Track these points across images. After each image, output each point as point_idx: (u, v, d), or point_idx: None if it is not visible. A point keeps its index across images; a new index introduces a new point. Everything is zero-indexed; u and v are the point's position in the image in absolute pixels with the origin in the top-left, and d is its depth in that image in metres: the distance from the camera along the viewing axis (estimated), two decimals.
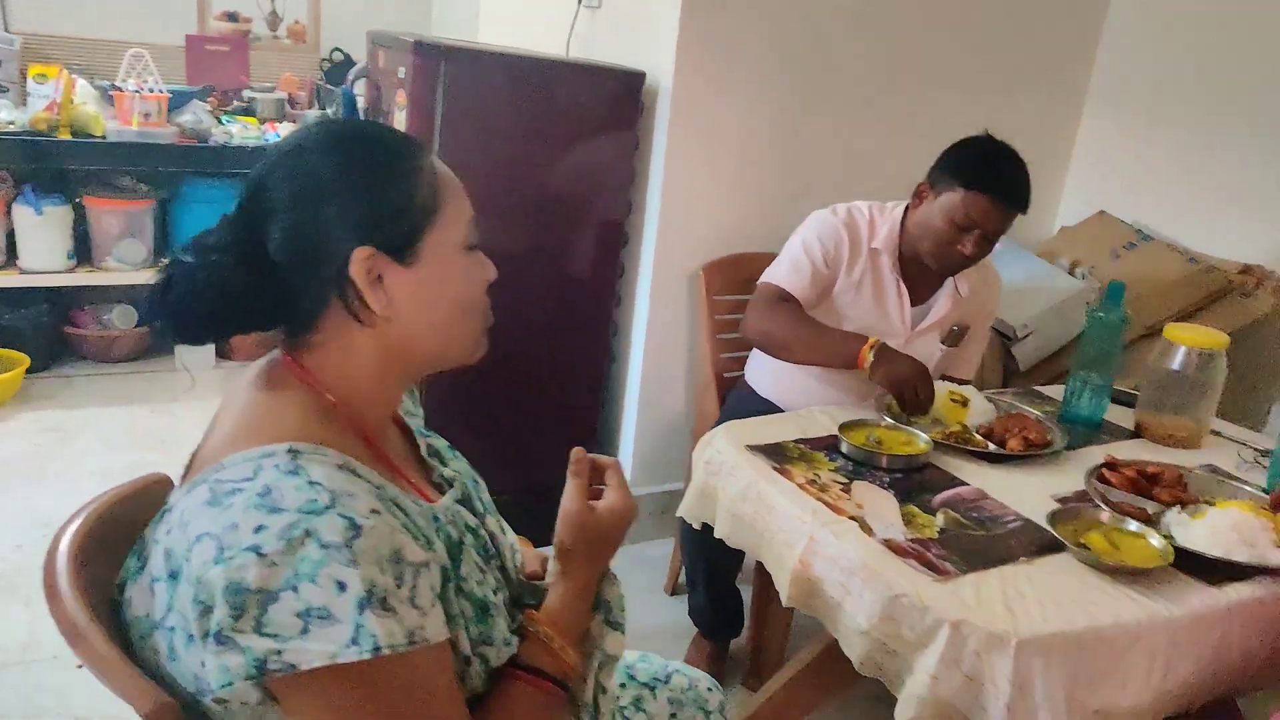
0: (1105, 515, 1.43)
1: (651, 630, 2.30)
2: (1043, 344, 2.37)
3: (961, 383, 1.96)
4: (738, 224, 2.51)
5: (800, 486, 1.49)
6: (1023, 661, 1.15)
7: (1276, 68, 2.45)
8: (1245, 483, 1.64)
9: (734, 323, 2.35)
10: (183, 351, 3.48)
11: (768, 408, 2.06)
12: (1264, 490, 1.62)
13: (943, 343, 2.00)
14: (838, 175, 2.57)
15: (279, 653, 0.70)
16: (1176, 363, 1.81)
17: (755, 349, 2.04)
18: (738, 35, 2.35)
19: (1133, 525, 1.41)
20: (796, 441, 1.66)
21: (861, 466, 1.59)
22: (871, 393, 1.89)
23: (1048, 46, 2.82)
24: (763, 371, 2.13)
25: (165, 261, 0.86)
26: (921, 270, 1.96)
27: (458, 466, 1.05)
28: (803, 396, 1.98)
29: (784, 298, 1.92)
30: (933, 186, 1.87)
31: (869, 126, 2.60)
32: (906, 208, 1.97)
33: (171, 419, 3.02)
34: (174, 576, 0.76)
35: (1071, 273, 2.53)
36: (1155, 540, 1.37)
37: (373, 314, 0.85)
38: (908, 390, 1.72)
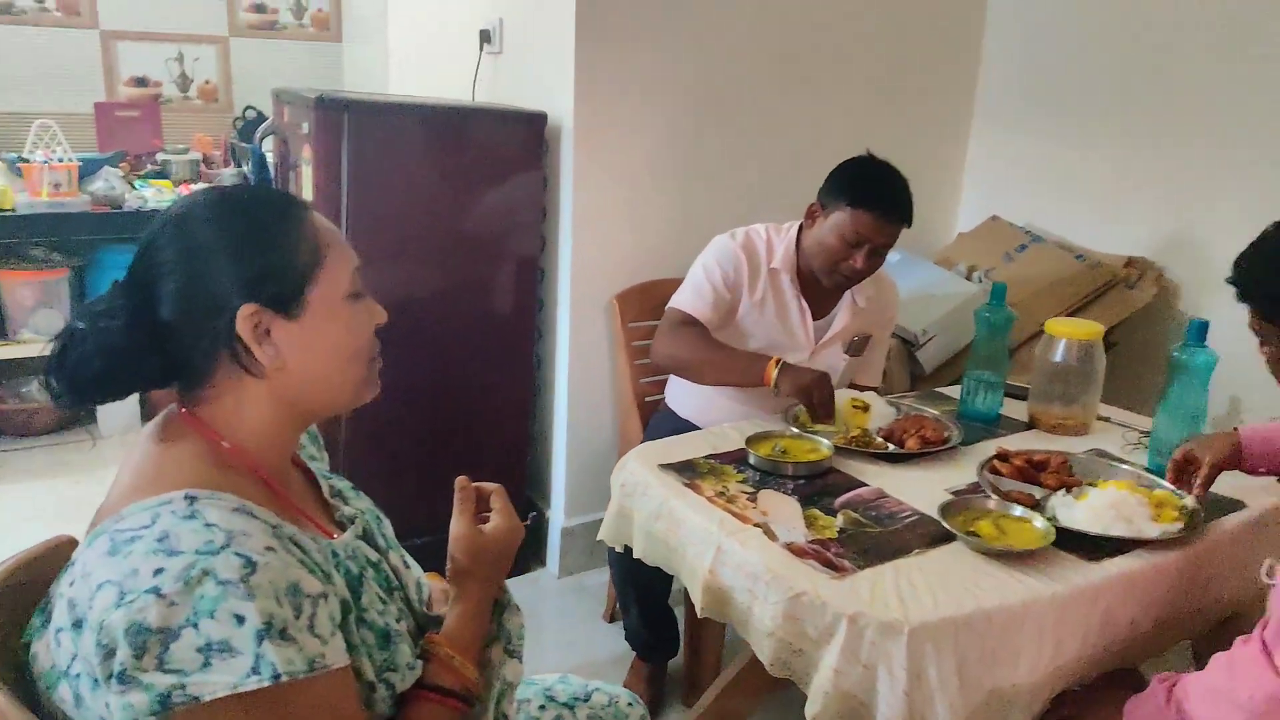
0: (993, 503, 1.52)
1: (592, 656, 2.34)
2: (944, 347, 2.48)
3: (865, 389, 2.05)
4: (646, 253, 2.58)
5: (709, 500, 1.55)
6: (915, 648, 1.22)
7: (1148, 75, 2.60)
8: (1127, 463, 1.74)
9: (650, 349, 2.42)
10: (105, 420, 3.44)
11: (687, 427, 2.12)
12: (1145, 469, 1.73)
13: (846, 353, 2.09)
14: (739, 199, 2.67)
15: (182, 687, 0.74)
16: (1059, 355, 1.92)
17: (669, 373, 2.11)
18: (632, 72, 2.45)
19: (1018, 510, 1.49)
20: (707, 457, 1.73)
21: (769, 476, 1.66)
22: (780, 406, 1.97)
23: (934, 69, 2.97)
24: (680, 392, 2.20)
25: (60, 329, 0.90)
26: (820, 286, 2.05)
27: (360, 505, 1.09)
28: (718, 414, 2.05)
29: (687, 321, 2.00)
30: (823, 207, 1.97)
31: (766, 151, 2.70)
32: (800, 227, 2.06)
33: (96, 488, 2.95)
34: (77, 626, 0.79)
35: (969, 277, 2.65)
36: (1039, 523, 1.46)
37: (262, 366, 0.91)
38: (813, 394, 1.81)
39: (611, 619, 2.48)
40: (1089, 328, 1.90)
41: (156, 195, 3.44)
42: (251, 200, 0.95)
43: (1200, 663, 1.58)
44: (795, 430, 1.81)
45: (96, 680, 0.77)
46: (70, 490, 2.99)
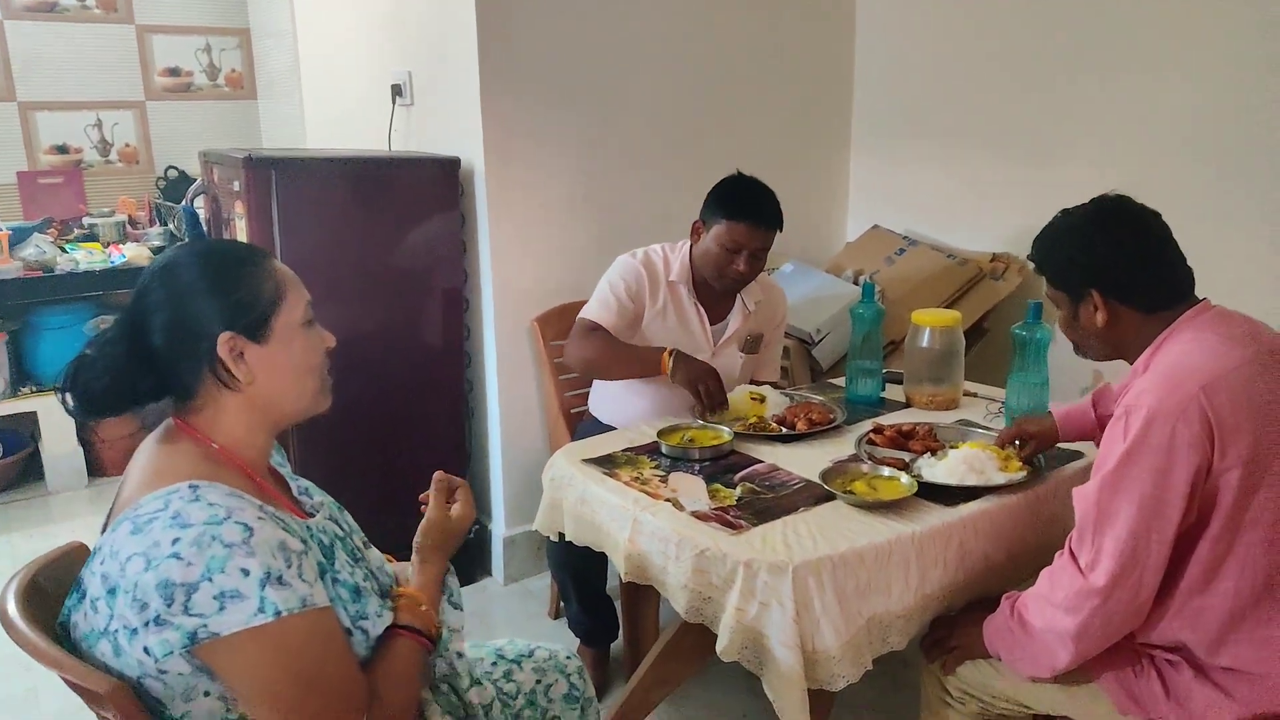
0: (866, 467, 1.78)
1: None
2: (837, 344, 2.76)
3: (760, 384, 2.31)
4: (560, 278, 2.82)
5: (626, 484, 1.78)
6: (800, 581, 1.47)
7: (1001, 95, 2.94)
8: (987, 429, 2.03)
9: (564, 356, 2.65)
10: (53, 478, 3.53)
11: (608, 430, 2.36)
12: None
13: (741, 351, 2.35)
14: (640, 224, 2.92)
15: (205, 625, 0.96)
16: (925, 341, 2.20)
17: (582, 376, 2.34)
18: (533, 116, 2.69)
19: (887, 471, 1.76)
20: (624, 450, 1.96)
21: (678, 461, 1.90)
22: (686, 404, 2.22)
23: (813, 99, 3.28)
24: (600, 400, 2.43)
25: (76, 355, 1.12)
26: (714, 293, 2.32)
27: (323, 498, 1.30)
28: (634, 415, 2.29)
29: (593, 328, 2.25)
30: (704, 222, 2.25)
31: (662, 180, 2.96)
32: (691, 244, 2.33)
33: (49, 541, 3.07)
34: (112, 592, 1.00)
35: (855, 281, 2.95)
36: (904, 479, 1.72)
37: (239, 382, 1.12)
38: (701, 386, 2.07)
39: (556, 615, 2.68)
40: (948, 316, 2.20)
41: (88, 257, 3.56)
42: (224, 250, 1.18)
43: None
44: (700, 422, 2.05)
45: (134, 630, 0.98)
46: (24, 545, 3.08)
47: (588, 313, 2.28)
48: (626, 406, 2.34)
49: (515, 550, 2.90)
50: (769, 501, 1.70)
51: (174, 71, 4.30)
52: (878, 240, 3.15)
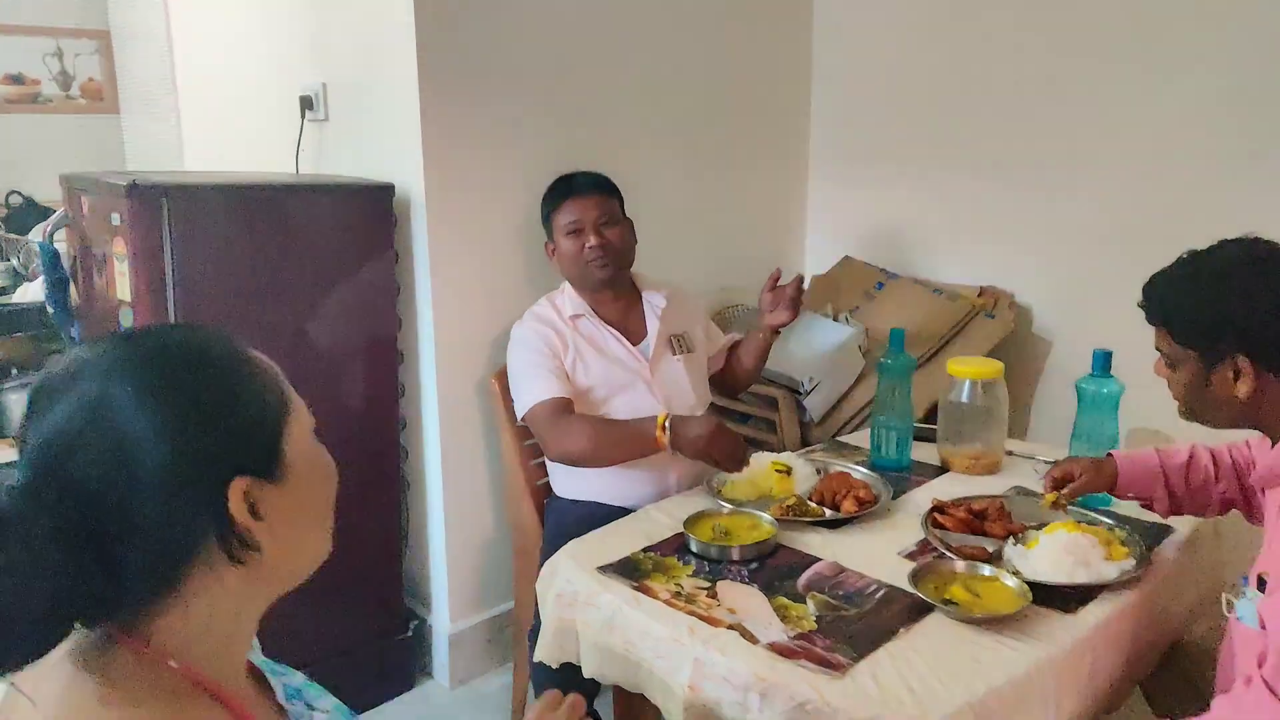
0: (960, 565, 1.47)
1: None
2: (829, 392, 2.46)
3: (737, 345, 2.17)
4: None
5: (666, 602, 1.41)
6: None
7: (962, 120, 2.73)
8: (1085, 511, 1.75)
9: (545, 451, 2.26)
10: None
11: (593, 509, 1.98)
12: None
13: (675, 354, 2.09)
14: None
15: None
16: (964, 395, 1.92)
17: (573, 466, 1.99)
18: (482, 135, 2.29)
19: (985, 570, 1.45)
20: (645, 551, 1.58)
21: (716, 563, 1.54)
22: (670, 456, 1.88)
23: (769, 123, 2.99)
24: (567, 477, 2.06)
25: None
26: (623, 313, 2.09)
27: (326, 705, 0.87)
28: (619, 485, 1.96)
29: (559, 409, 1.92)
30: (550, 239, 2.12)
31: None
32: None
33: None
34: None
35: (835, 318, 2.66)
36: (1010, 581, 1.41)
37: (259, 546, 0.71)
38: (715, 451, 1.74)
39: None
40: (990, 366, 1.92)
41: None
42: (186, 346, 0.74)
43: (1153, 702, 1.59)
44: (729, 506, 1.70)
45: None
46: None
47: (533, 396, 1.95)
48: (602, 478, 1.97)
49: (463, 647, 2.46)
50: (855, 621, 1.36)
51: (16, 79, 3.64)
52: (851, 272, 2.88)
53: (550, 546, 1.98)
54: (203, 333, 0.76)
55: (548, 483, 2.22)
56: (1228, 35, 2.22)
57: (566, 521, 2.00)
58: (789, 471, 1.82)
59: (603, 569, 1.51)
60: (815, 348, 2.45)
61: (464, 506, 2.41)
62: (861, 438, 2.18)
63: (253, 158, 2.84)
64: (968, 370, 1.92)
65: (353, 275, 2.22)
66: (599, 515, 1.93)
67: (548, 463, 2.13)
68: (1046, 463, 1.95)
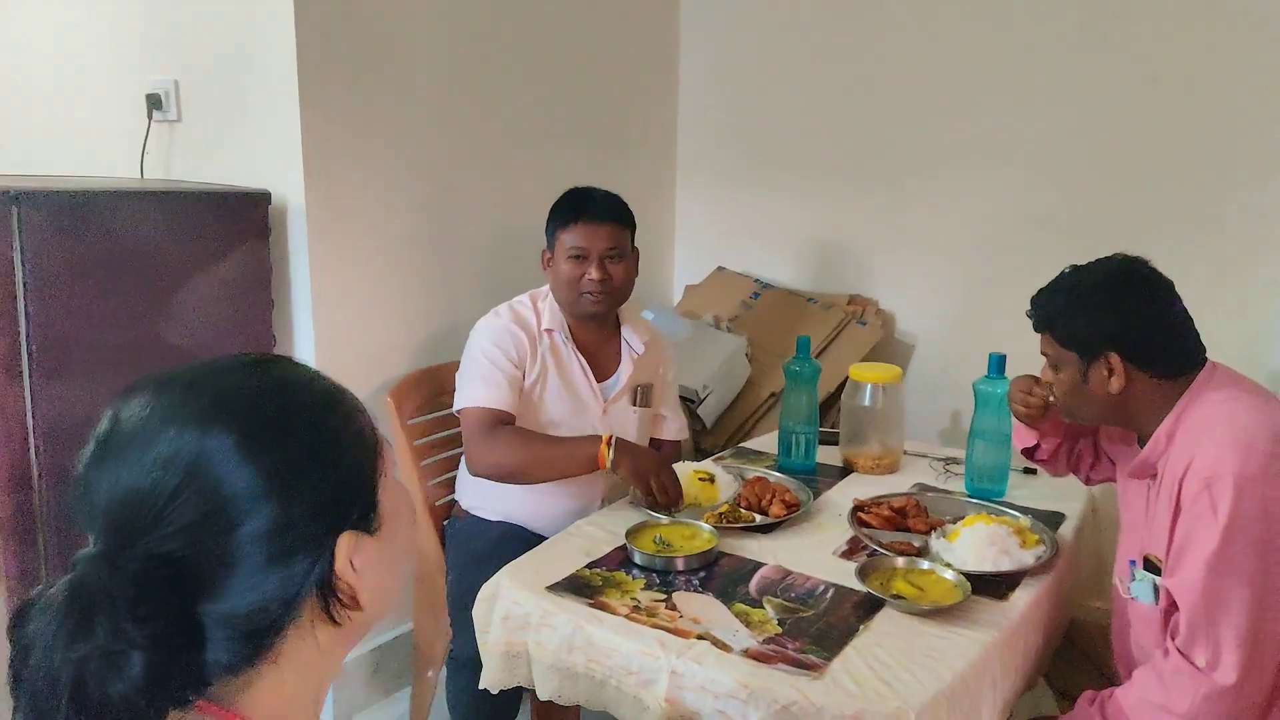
0: (900, 561, 1.53)
1: None
2: (720, 400, 2.51)
3: (667, 443, 2.08)
4: (415, 336, 2.33)
5: (628, 617, 1.39)
6: None
7: (822, 134, 2.86)
8: (955, 493, 1.87)
9: (440, 444, 2.17)
10: None
11: (504, 530, 1.93)
12: (968, 496, 1.86)
13: (634, 405, 2.02)
14: (495, 268, 2.52)
15: None
16: (866, 399, 2.01)
17: (498, 482, 1.88)
18: (366, 138, 2.19)
19: (924, 564, 1.52)
20: (589, 567, 1.55)
21: (664, 575, 1.53)
22: (601, 478, 1.87)
23: (638, 138, 3.03)
24: (484, 495, 1.98)
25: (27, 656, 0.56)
26: (597, 344, 1.99)
27: None
28: (538, 506, 1.91)
29: (498, 419, 1.83)
30: (550, 249, 1.96)
31: (505, 219, 2.56)
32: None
33: None
34: None
35: (718, 327, 2.72)
36: (949, 574, 1.49)
37: (358, 605, 0.66)
38: (654, 481, 1.72)
39: None
40: (889, 371, 2.03)
41: None
42: (283, 391, 0.67)
43: (1051, 678, 1.73)
44: (666, 517, 1.70)
45: None
46: None
47: (477, 399, 1.85)
48: (522, 498, 1.91)
49: (345, 684, 2.32)
50: (816, 621, 1.39)
51: None
52: (726, 283, 2.96)
53: (460, 569, 1.92)
54: (291, 368, 0.69)
55: (448, 502, 2.14)
56: (1080, 59, 2.44)
57: (478, 543, 1.93)
58: (712, 479, 1.84)
59: (552, 588, 1.47)
60: (707, 357, 2.50)
61: None
62: (762, 443, 2.24)
63: (81, 160, 2.56)
64: (870, 376, 2.01)
65: (221, 289, 2.05)
66: (515, 537, 1.89)
67: (459, 479, 2.05)
68: (945, 461, 2.08)
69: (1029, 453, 1.72)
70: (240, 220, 2.08)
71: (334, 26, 2.08)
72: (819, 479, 2.00)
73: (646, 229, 3.14)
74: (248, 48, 2.12)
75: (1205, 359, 1.39)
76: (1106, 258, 1.44)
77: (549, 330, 1.94)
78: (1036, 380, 1.60)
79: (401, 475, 2.09)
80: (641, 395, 2.03)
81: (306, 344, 2.18)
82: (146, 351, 1.93)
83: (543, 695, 1.43)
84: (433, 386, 2.17)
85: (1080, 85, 2.45)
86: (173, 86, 2.31)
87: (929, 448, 2.19)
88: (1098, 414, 1.47)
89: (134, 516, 0.59)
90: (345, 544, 0.64)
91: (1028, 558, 1.56)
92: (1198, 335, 1.40)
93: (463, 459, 2.07)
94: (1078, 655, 1.73)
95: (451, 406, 2.19)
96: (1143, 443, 1.41)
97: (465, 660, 1.66)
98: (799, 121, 2.93)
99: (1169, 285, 1.39)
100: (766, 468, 2.00)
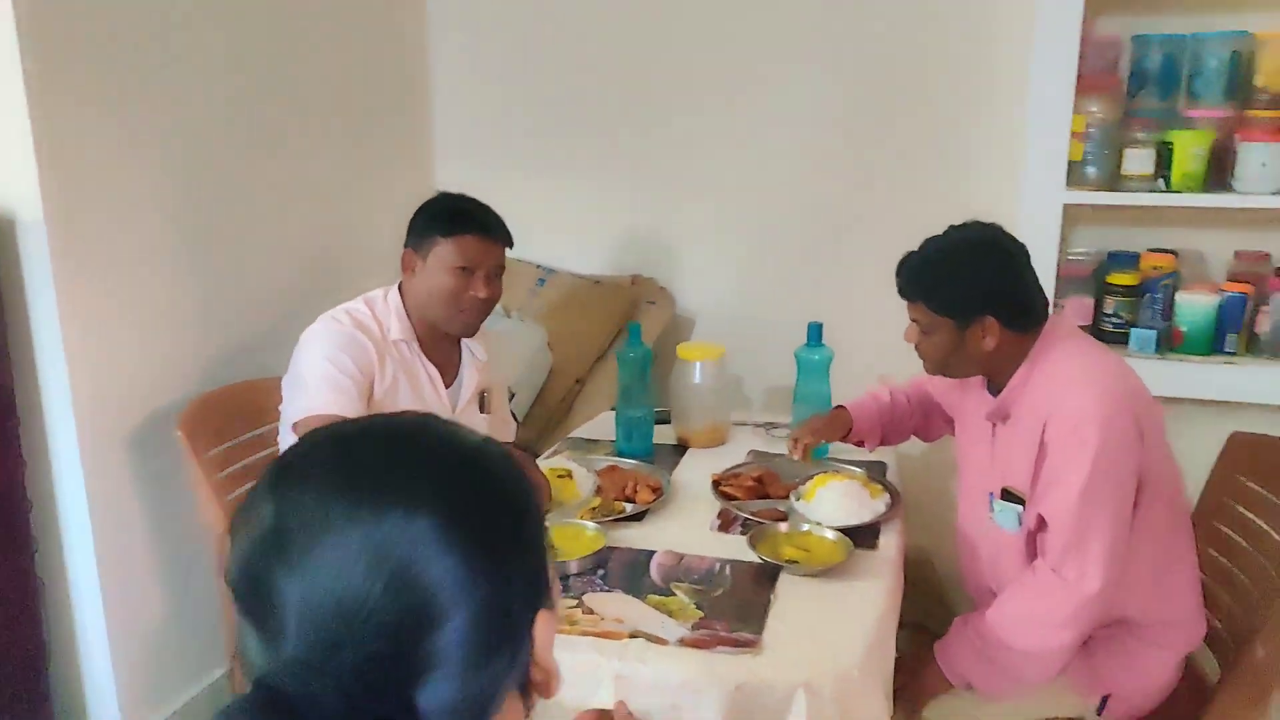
0: (783, 527, 1.61)
1: None
2: (529, 394, 2.47)
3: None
4: (200, 354, 2.07)
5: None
6: (866, 681, 1.26)
7: (579, 118, 2.86)
8: (784, 456, 1.98)
9: (248, 472, 1.94)
10: None
11: None
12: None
13: (482, 411, 1.96)
14: (288, 272, 2.33)
15: None
16: (696, 377, 2.08)
17: None
18: (113, 141, 1.89)
19: (803, 526, 1.61)
20: None
21: (561, 580, 1.49)
22: None
23: (391, 123, 2.85)
24: None
25: None
26: (441, 350, 1.89)
27: None
28: None
29: None
30: (417, 251, 1.81)
31: (265, 220, 2.33)
32: (400, 289, 1.86)
33: None
34: None
35: (508, 316, 2.66)
36: (829, 533, 1.59)
37: (547, 696, 0.61)
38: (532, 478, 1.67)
39: None
40: (714, 349, 2.10)
41: None
42: (476, 460, 0.61)
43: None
44: (560, 519, 1.65)
45: None
46: None
47: (321, 405, 1.66)
48: None
49: None
50: (729, 598, 1.43)
51: None
52: (507, 271, 2.88)
53: None
54: (448, 427, 0.59)
55: None
56: (830, 54, 2.64)
57: None
58: (569, 475, 1.81)
59: None
60: (515, 352, 2.44)
61: (129, 591, 1.99)
62: (590, 430, 2.25)
63: None
64: (698, 354, 2.08)
65: None
66: None
67: None
68: (760, 425, 2.20)
69: (863, 444, 1.88)
70: None
71: (62, 21, 1.77)
72: (659, 459, 2.03)
73: (400, 217, 2.99)
74: None
75: (1049, 311, 1.58)
76: (963, 225, 1.57)
77: (398, 341, 1.80)
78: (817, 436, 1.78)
79: (203, 511, 1.87)
80: (485, 401, 1.96)
81: (57, 377, 1.85)
82: None
83: None
84: (234, 409, 1.95)
85: (830, 80, 2.65)
86: None
87: (744, 415, 2.30)
88: (968, 370, 1.60)
89: (338, 615, 0.51)
90: (542, 624, 0.59)
91: (880, 506, 1.71)
92: (1043, 290, 1.57)
93: None
94: (920, 588, 1.92)
95: (256, 428, 2.00)
96: (995, 390, 1.58)
97: None
98: (563, 103, 2.91)
99: (1023, 247, 1.55)
100: (606, 454, 2.01)
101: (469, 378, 1.92)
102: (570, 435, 2.24)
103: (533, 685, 0.61)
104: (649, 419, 2.06)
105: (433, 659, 0.53)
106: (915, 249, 1.58)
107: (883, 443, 1.89)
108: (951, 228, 1.58)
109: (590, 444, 2.14)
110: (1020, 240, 1.57)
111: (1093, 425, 1.42)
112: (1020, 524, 1.53)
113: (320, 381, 1.69)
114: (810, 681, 1.23)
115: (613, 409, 2.43)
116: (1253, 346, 2.31)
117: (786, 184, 2.73)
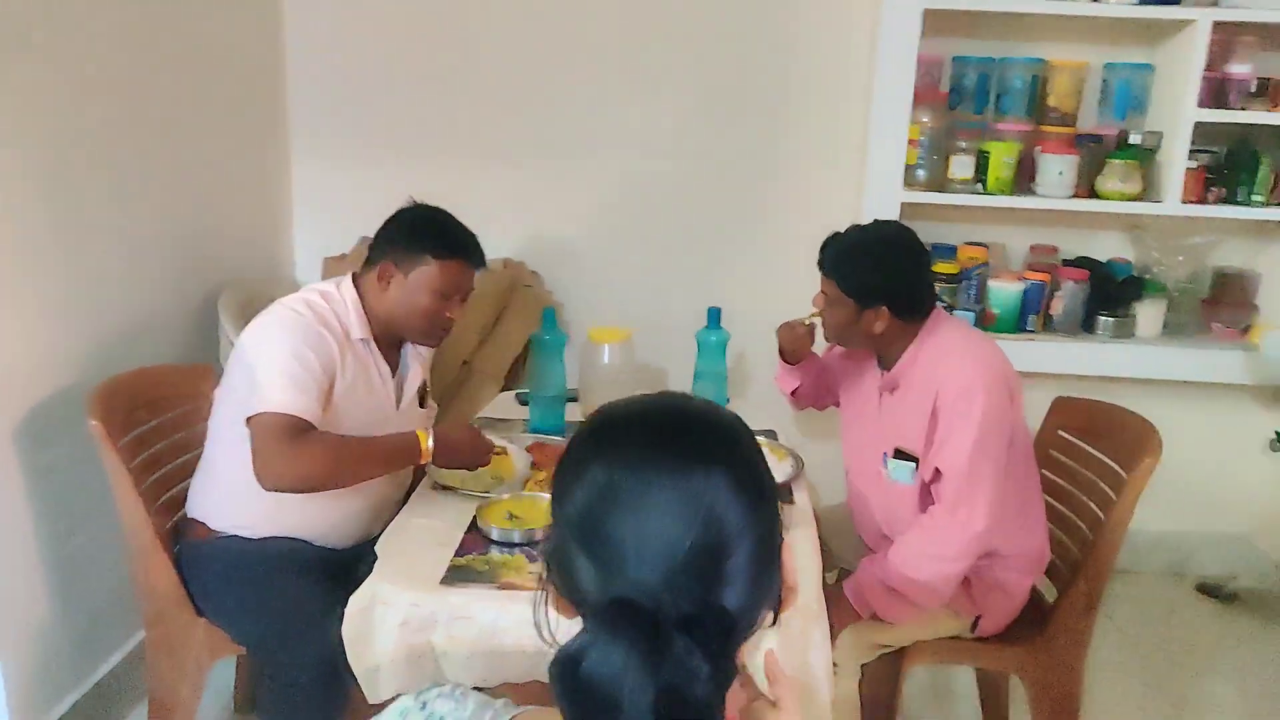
0: None
1: None
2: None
3: None
4: (82, 341, 1.98)
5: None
6: (820, 610, 1.48)
7: (429, 105, 2.90)
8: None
9: (161, 457, 1.90)
10: None
11: (285, 545, 1.79)
12: None
13: (423, 405, 2.01)
14: (173, 250, 2.27)
15: None
16: (606, 358, 2.23)
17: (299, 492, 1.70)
18: None
19: None
20: (461, 556, 1.57)
21: (529, 546, 1.61)
22: (389, 479, 1.87)
23: (242, 105, 2.75)
24: (252, 509, 1.78)
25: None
26: (393, 349, 1.93)
27: None
28: (322, 515, 1.81)
29: (302, 428, 1.65)
30: (397, 265, 1.82)
31: (162, 197, 2.25)
32: (356, 287, 1.87)
33: None
34: None
35: None
36: None
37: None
38: (479, 458, 1.80)
39: None
40: (622, 332, 2.25)
41: None
42: (731, 422, 0.79)
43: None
44: (509, 493, 1.77)
45: None
46: None
47: (280, 404, 1.64)
48: (300, 507, 1.78)
49: None
50: None
51: None
52: None
53: (226, 594, 1.77)
54: (708, 404, 0.77)
55: (177, 524, 1.89)
56: (697, 48, 2.83)
57: (242, 568, 1.77)
58: (504, 451, 1.92)
59: (449, 583, 1.47)
60: None
61: (14, 589, 1.88)
62: (495, 408, 2.35)
63: None
64: (607, 336, 2.23)
65: None
66: (297, 549, 1.80)
67: (207, 496, 1.82)
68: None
69: (794, 395, 2.10)
70: None
71: None
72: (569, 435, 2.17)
73: (257, 200, 2.91)
74: None
75: (935, 305, 1.86)
76: (884, 222, 1.86)
77: (362, 341, 1.81)
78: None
79: (124, 503, 1.82)
80: (424, 394, 2.02)
81: None
82: None
83: (476, 682, 1.43)
84: (152, 390, 1.92)
85: (701, 95, 2.85)
86: None
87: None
88: (859, 344, 1.88)
89: (663, 550, 0.67)
90: (785, 551, 0.74)
91: (789, 468, 1.94)
92: (934, 288, 1.86)
93: (202, 471, 1.86)
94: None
95: (168, 411, 1.96)
96: (885, 365, 1.85)
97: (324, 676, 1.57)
98: (418, 96, 2.93)
99: (926, 249, 1.83)
100: (521, 432, 2.12)
101: (413, 373, 1.96)
102: (481, 416, 2.32)
103: (784, 594, 0.76)
104: (559, 399, 2.18)
105: (730, 576, 0.69)
106: (841, 230, 1.84)
107: (812, 400, 2.15)
108: (876, 222, 1.86)
109: (502, 423, 2.23)
110: (923, 244, 1.85)
111: (978, 392, 1.71)
112: (913, 478, 1.81)
113: (280, 377, 1.67)
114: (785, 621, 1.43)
115: (510, 390, 2.55)
116: (1048, 325, 2.77)
117: (639, 175, 2.90)
